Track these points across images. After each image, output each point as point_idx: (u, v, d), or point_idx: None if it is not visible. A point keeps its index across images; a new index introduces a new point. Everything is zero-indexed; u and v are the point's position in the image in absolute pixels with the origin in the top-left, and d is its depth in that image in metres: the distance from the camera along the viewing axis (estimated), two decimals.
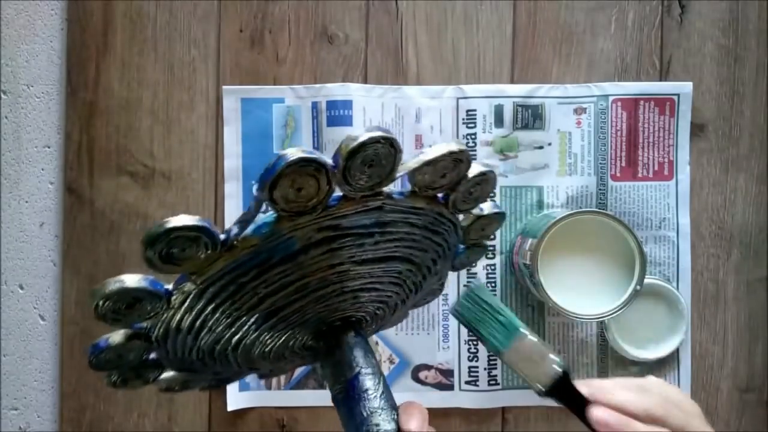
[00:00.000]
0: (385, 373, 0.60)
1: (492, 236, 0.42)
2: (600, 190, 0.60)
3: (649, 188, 0.60)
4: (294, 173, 0.28)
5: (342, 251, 0.32)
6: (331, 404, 0.60)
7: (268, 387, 0.60)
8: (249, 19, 0.61)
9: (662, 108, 0.60)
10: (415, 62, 0.61)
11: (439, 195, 0.35)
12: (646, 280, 0.53)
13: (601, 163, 0.60)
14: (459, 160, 0.32)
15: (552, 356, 0.37)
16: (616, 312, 0.52)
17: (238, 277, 0.31)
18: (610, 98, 0.60)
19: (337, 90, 0.60)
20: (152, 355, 0.35)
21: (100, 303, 0.30)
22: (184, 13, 0.61)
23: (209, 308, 0.32)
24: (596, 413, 0.38)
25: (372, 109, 0.60)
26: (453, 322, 0.60)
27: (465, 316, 0.38)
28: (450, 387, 0.60)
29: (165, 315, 0.32)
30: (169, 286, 0.31)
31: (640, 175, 0.60)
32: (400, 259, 0.35)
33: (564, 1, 0.61)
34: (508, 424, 0.60)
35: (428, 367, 0.60)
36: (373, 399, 0.35)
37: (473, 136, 0.60)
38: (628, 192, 0.60)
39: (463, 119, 0.60)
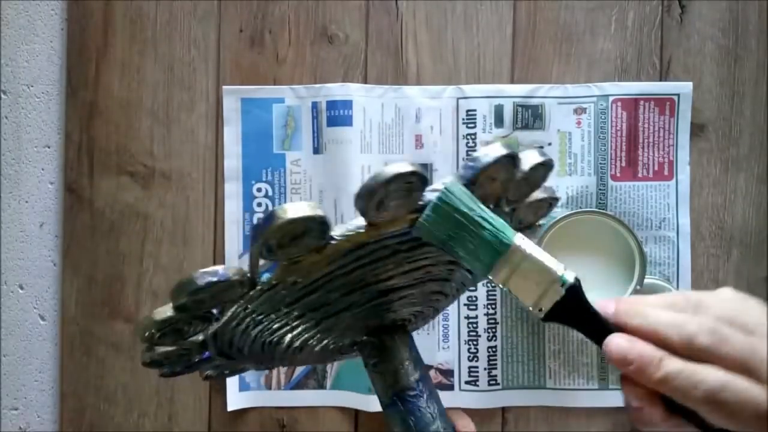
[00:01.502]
0: None
1: (544, 215, 0.40)
2: (600, 190, 0.60)
3: (649, 188, 0.60)
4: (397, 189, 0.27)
5: (419, 258, 0.33)
6: (331, 404, 0.60)
7: (268, 387, 0.60)
8: (249, 19, 0.61)
9: (662, 108, 0.60)
10: (415, 62, 0.61)
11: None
12: (646, 280, 0.53)
13: (601, 163, 0.60)
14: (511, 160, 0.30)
15: (557, 270, 0.29)
16: None
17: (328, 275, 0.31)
18: (610, 98, 0.60)
19: (337, 90, 0.60)
20: (205, 355, 0.36)
21: (187, 299, 0.29)
22: (184, 13, 0.61)
23: (283, 303, 0.32)
24: (612, 344, 0.28)
25: (372, 109, 0.60)
26: (453, 322, 0.60)
27: (434, 233, 0.28)
28: (450, 387, 0.60)
29: (239, 305, 0.32)
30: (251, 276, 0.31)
31: (640, 175, 0.60)
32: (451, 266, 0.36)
33: (564, 1, 0.60)
34: (508, 424, 0.60)
35: (428, 367, 0.60)
36: (426, 410, 0.35)
37: (473, 136, 0.60)
38: (628, 192, 0.60)
39: (463, 119, 0.60)
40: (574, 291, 0.29)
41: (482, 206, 0.28)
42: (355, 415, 0.60)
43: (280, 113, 0.60)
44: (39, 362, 0.62)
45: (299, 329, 0.34)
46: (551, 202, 0.37)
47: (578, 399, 0.60)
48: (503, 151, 0.28)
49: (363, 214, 0.28)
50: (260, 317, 0.32)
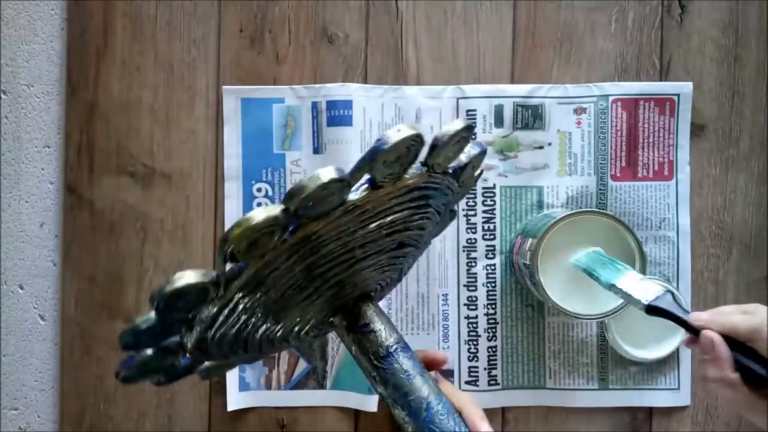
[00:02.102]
0: None
1: (480, 170, 0.44)
2: (600, 190, 0.60)
3: (649, 188, 0.60)
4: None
5: (369, 226, 0.34)
6: (331, 404, 0.60)
7: (268, 387, 0.60)
8: (249, 19, 0.61)
9: (662, 108, 0.60)
10: (415, 62, 0.61)
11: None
12: None
13: (601, 163, 0.60)
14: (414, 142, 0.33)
15: (657, 283, 0.45)
16: (616, 312, 0.52)
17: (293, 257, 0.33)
18: (610, 98, 0.60)
19: (337, 90, 0.60)
20: (183, 361, 0.36)
21: (162, 301, 0.30)
22: (184, 13, 0.61)
23: (244, 301, 0.33)
24: (693, 314, 0.41)
25: (372, 109, 0.60)
26: (453, 322, 0.60)
27: (583, 265, 0.51)
28: None
29: (194, 330, 0.33)
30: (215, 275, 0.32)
31: (640, 175, 0.60)
32: (407, 232, 0.37)
33: (564, 1, 0.61)
34: (508, 424, 0.60)
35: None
36: (411, 372, 0.37)
37: (473, 137, 0.60)
38: (628, 192, 0.60)
39: (464, 119, 0.60)
40: (652, 309, 0.44)
41: (599, 263, 0.50)
42: (355, 415, 0.60)
43: (280, 113, 0.60)
44: (39, 362, 0.62)
45: (272, 321, 0.35)
46: (465, 133, 0.37)
47: (578, 399, 0.60)
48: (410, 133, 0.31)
49: (371, 175, 0.32)
50: (235, 317, 0.33)
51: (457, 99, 0.60)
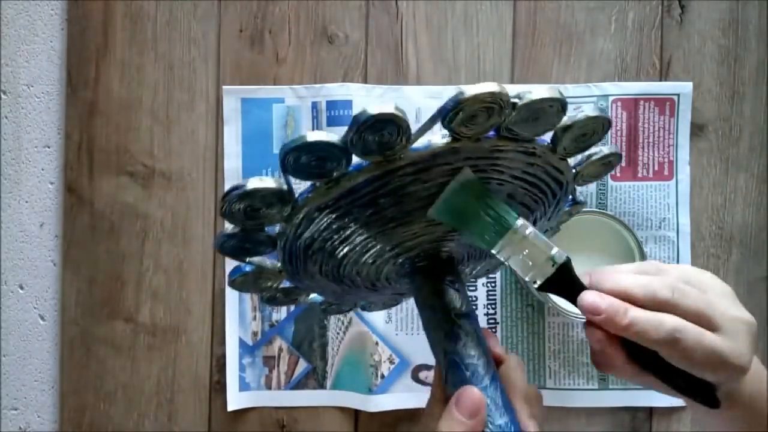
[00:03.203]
0: (385, 373, 0.60)
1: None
2: (600, 190, 0.60)
3: (649, 188, 0.60)
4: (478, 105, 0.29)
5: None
6: (331, 404, 0.60)
7: (268, 387, 0.60)
8: (249, 19, 0.61)
9: (662, 108, 0.60)
10: (415, 62, 0.61)
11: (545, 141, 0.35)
12: None
13: None
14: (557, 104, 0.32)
15: (550, 251, 0.33)
16: None
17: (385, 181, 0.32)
18: (610, 98, 0.60)
19: (337, 90, 0.60)
20: (269, 230, 0.35)
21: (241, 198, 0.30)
22: (184, 13, 0.61)
23: (339, 212, 0.33)
24: (586, 298, 0.32)
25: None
26: None
27: (449, 213, 0.34)
28: None
29: (337, 186, 0.32)
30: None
31: (640, 175, 0.60)
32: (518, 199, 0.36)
33: (564, 1, 0.61)
34: None
35: (428, 368, 0.60)
36: (482, 338, 0.36)
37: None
38: (628, 192, 0.60)
39: None
40: (564, 269, 0.33)
41: (490, 194, 0.34)
42: (355, 415, 0.60)
43: (280, 113, 0.60)
44: (39, 362, 0.62)
45: (367, 233, 0.35)
46: (615, 161, 0.38)
47: (578, 399, 0.60)
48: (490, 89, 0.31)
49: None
50: (338, 212, 0.33)
51: None
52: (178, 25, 0.61)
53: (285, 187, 0.31)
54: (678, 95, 0.60)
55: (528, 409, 0.34)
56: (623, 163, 0.60)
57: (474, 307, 0.60)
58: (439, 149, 0.31)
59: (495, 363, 0.36)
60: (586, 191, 0.60)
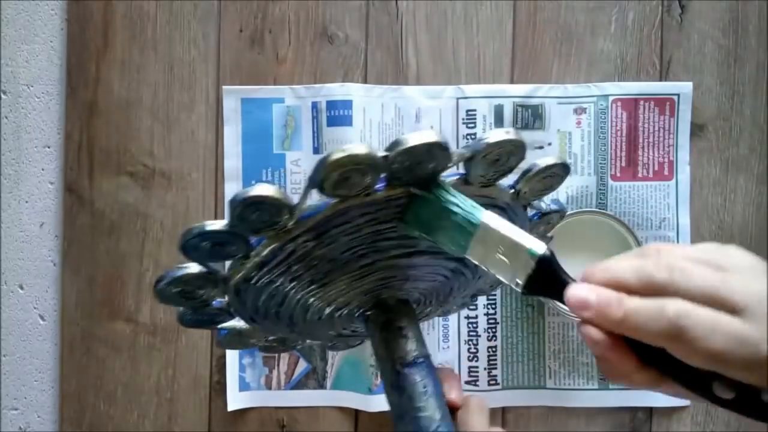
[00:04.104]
0: None
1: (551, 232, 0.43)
2: (600, 190, 0.60)
3: (649, 188, 0.60)
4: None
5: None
6: (331, 404, 0.60)
7: (268, 387, 0.60)
8: (249, 19, 0.61)
9: (662, 108, 0.60)
10: (415, 62, 0.61)
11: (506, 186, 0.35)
12: None
13: (601, 163, 0.60)
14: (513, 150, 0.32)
15: (527, 245, 0.29)
16: None
17: (328, 231, 0.32)
18: (610, 98, 0.60)
19: (337, 90, 0.60)
20: (216, 302, 0.36)
21: (192, 240, 0.30)
22: (184, 13, 0.61)
23: (286, 262, 0.33)
24: (571, 292, 0.28)
25: (372, 109, 0.60)
26: (453, 322, 0.60)
27: (415, 224, 0.31)
28: None
29: (248, 262, 0.32)
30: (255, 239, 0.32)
31: (640, 175, 0.60)
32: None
33: (564, 1, 0.61)
34: (508, 424, 0.60)
35: None
36: (429, 390, 0.35)
37: (473, 137, 0.60)
38: (628, 192, 0.60)
39: (463, 119, 0.60)
40: (546, 263, 0.29)
41: (454, 192, 0.31)
42: (355, 415, 0.60)
43: (280, 113, 0.60)
44: (39, 362, 0.62)
45: (318, 284, 0.35)
46: (559, 172, 0.36)
47: (578, 399, 0.60)
48: (504, 137, 0.31)
49: (468, 167, 0.32)
50: (288, 263, 0.33)
51: (457, 99, 0.60)
52: (178, 25, 0.61)
53: (205, 269, 0.32)
54: (678, 95, 0.60)
55: None
56: (623, 163, 0.60)
57: (473, 307, 0.60)
58: (328, 213, 0.31)
59: (453, 408, 0.35)
60: (586, 192, 0.60)
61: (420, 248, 0.35)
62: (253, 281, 0.33)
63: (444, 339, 0.60)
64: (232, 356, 0.60)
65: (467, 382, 0.60)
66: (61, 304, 0.61)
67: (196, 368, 0.61)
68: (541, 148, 0.60)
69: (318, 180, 0.29)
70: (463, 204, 0.30)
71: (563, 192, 0.60)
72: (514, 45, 0.61)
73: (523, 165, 0.35)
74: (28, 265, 0.62)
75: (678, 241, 0.60)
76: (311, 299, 0.35)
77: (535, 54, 0.61)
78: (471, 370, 0.60)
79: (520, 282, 0.30)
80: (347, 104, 0.59)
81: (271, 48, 0.61)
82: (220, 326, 0.39)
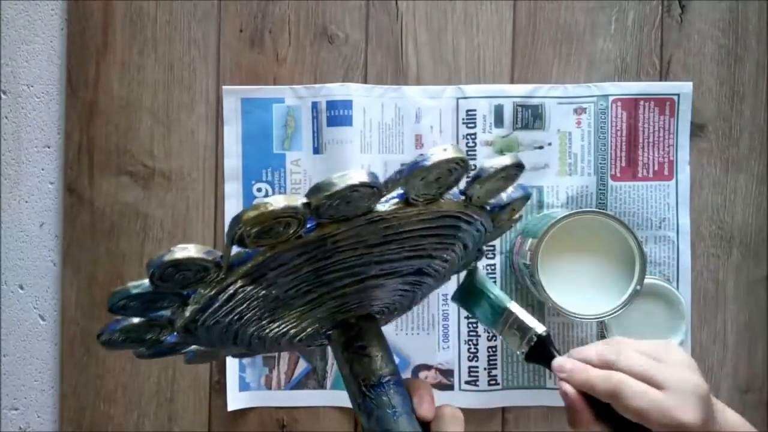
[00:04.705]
0: None
1: (520, 214, 0.42)
2: (600, 190, 0.60)
3: (649, 188, 0.60)
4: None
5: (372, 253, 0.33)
6: (331, 404, 0.60)
7: (268, 387, 0.60)
8: (249, 19, 0.61)
9: (662, 108, 0.60)
10: (415, 62, 0.61)
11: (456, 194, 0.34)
12: (646, 280, 0.53)
13: (601, 163, 0.60)
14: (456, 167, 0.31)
15: (533, 326, 0.42)
16: (616, 312, 0.52)
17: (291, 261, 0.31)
18: (610, 98, 0.60)
19: (337, 90, 0.60)
20: (170, 338, 0.35)
21: (157, 272, 0.29)
22: (184, 13, 0.61)
23: (228, 306, 0.32)
24: (556, 361, 0.41)
25: (372, 109, 0.60)
26: (453, 322, 0.60)
27: (462, 302, 0.44)
28: (450, 387, 0.60)
29: (187, 309, 0.32)
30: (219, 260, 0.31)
31: (640, 175, 0.60)
32: (421, 257, 0.35)
33: (564, 1, 0.61)
34: (508, 424, 0.60)
35: (428, 367, 0.60)
36: (398, 410, 0.34)
37: (473, 136, 0.60)
38: (628, 192, 0.60)
39: (463, 119, 0.60)
40: (543, 339, 0.41)
41: (491, 283, 0.44)
42: (356, 415, 0.60)
43: (280, 113, 0.60)
44: (39, 362, 0.62)
45: (267, 319, 0.34)
46: (514, 171, 0.35)
47: None
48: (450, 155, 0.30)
49: (405, 190, 0.31)
50: (230, 306, 0.32)
51: (457, 99, 0.60)
52: (178, 25, 0.61)
53: (144, 320, 0.32)
54: (678, 95, 0.60)
55: None
56: (623, 163, 0.60)
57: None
58: (260, 260, 0.30)
59: (424, 422, 0.35)
60: (586, 192, 0.60)
61: (370, 274, 0.33)
62: (199, 322, 0.32)
63: (444, 339, 0.60)
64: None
65: (467, 382, 0.60)
66: (61, 304, 0.61)
67: (196, 368, 0.61)
68: (541, 148, 0.60)
69: (234, 238, 0.28)
70: (496, 293, 0.43)
71: (563, 192, 0.60)
72: (514, 45, 0.61)
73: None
74: (28, 265, 0.62)
75: (678, 241, 0.60)
76: (265, 331, 0.35)
77: (535, 54, 0.61)
78: (471, 370, 0.60)
79: (524, 351, 0.42)
80: (347, 104, 0.59)
81: (271, 48, 0.61)
82: (183, 351, 0.38)
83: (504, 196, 0.38)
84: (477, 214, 0.36)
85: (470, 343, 0.60)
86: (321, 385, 0.60)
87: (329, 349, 0.59)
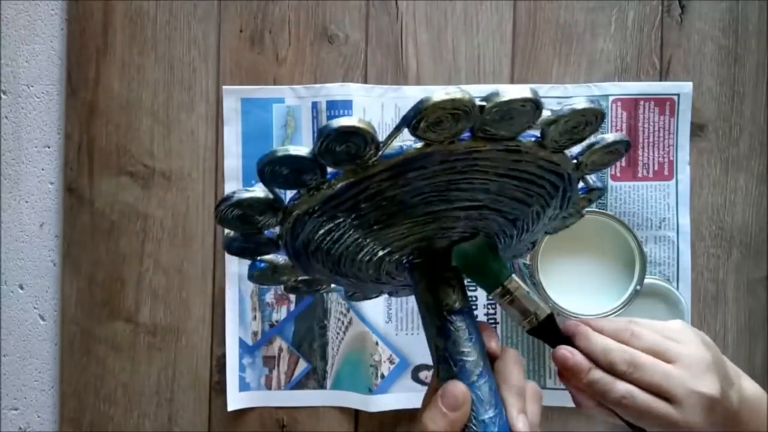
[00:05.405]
0: (385, 373, 0.60)
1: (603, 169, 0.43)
2: None
3: (649, 188, 0.60)
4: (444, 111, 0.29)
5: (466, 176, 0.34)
6: (331, 404, 0.60)
7: (268, 387, 0.60)
8: (249, 19, 0.61)
9: (662, 108, 0.60)
10: (415, 62, 0.61)
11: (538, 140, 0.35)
12: (646, 280, 0.53)
13: None
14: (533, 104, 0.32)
15: (533, 309, 0.38)
16: (616, 312, 0.52)
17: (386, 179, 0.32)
18: (610, 98, 0.60)
19: (337, 90, 0.60)
20: (268, 232, 0.36)
21: (267, 168, 0.30)
22: (184, 13, 0.61)
23: (355, 199, 0.33)
24: (557, 353, 0.38)
25: (372, 109, 0.60)
26: None
27: (462, 262, 0.39)
28: None
29: (318, 194, 0.32)
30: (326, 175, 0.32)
31: (640, 175, 0.60)
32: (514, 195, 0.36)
33: (564, 1, 0.61)
34: None
35: (428, 367, 0.60)
36: (474, 337, 0.36)
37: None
38: (628, 192, 0.60)
39: None
40: (548, 321, 0.38)
41: (493, 253, 0.39)
42: (355, 415, 0.60)
43: (280, 113, 0.60)
44: (39, 362, 0.62)
45: (374, 228, 0.35)
46: (622, 148, 0.38)
47: None
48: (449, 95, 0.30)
49: (545, 131, 0.32)
50: (325, 216, 0.33)
51: None
52: (178, 25, 0.61)
53: (271, 196, 0.32)
54: (678, 95, 0.60)
55: (519, 405, 0.34)
56: (623, 163, 0.60)
57: (474, 306, 0.60)
58: (411, 155, 0.31)
59: (491, 358, 0.36)
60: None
61: (487, 205, 0.35)
62: (316, 214, 0.33)
63: None
64: (232, 356, 0.60)
65: None
66: (61, 304, 0.61)
67: (196, 368, 0.61)
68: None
69: (414, 119, 0.29)
70: (498, 263, 0.38)
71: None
72: (514, 45, 0.61)
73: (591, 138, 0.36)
74: (28, 265, 0.62)
75: (678, 241, 0.60)
76: (368, 239, 0.36)
77: (535, 54, 0.61)
78: None
79: (525, 328, 0.38)
80: (347, 104, 0.59)
81: (271, 48, 0.61)
82: (260, 258, 0.39)
83: (590, 180, 0.40)
84: (575, 184, 0.38)
85: None
86: (321, 385, 0.60)
87: (329, 348, 0.60)
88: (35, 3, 0.62)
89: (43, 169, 0.62)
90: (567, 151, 0.36)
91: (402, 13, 0.61)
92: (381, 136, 0.30)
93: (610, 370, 0.37)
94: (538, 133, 0.33)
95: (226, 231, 0.35)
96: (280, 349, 0.60)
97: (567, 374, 0.38)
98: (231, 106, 0.61)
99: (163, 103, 0.61)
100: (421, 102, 0.28)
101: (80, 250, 0.61)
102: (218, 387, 0.61)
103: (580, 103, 0.32)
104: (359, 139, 0.29)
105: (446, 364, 0.36)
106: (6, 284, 0.63)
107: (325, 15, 0.61)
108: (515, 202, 0.36)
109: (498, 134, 0.32)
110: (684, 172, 0.60)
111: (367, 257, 0.38)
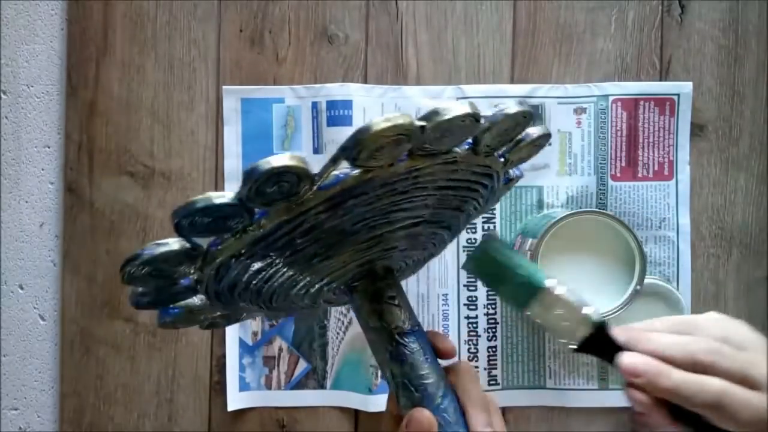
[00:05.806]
0: None
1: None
2: (600, 190, 0.60)
3: (649, 188, 0.60)
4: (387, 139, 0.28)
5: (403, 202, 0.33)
6: (331, 404, 0.60)
7: (268, 387, 0.60)
8: (249, 19, 0.61)
9: (662, 108, 0.60)
10: (415, 62, 0.61)
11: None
12: (646, 280, 0.53)
13: (601, 163, 0.60)
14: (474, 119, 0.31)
15: (584, 310, 0.33)
16: (616, 312, 0.52)
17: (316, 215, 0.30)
18: (610, 98, 0.60)
19: (337, 90, 0.60)
20: (185, 281, 0.33)
21: (184, 221, 0.27)
22: (184, 13, 0.61)
23: (290, 236, 0.31)
24: (624, 360, 0.32)
25: (372, 109, 0.60)
26: (453, 322, 0.60)
27: (480, 273, 0.36)
28: None
29: (245, 236, 0.30)
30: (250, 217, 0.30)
31: (640, 175, 0.60)
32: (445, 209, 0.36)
33: (564, 1, 0.61)
34: (507, 425, 0.60)
35: None
36: (429, 357, 0.35)
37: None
38: (628, 192, 0.60)
39: None
40: (601, 329, 0.33)
41: (519, 254, 0.35)
42: (355, 415, 0.60)
43: (280, 113, 0.60)
44: (39, 362, 0.62)
45: (313, 262, 0.33)
46: (544, 142, 0.38)
47: (578, 399, 0.60)
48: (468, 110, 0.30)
49: (479, 138, 0.32)
50: (254, 257, 0.31)
51: (457, 99, 0.60)
52: (178, 25, 0.61)
53: (188, 245, 0.29)
54: (678, 95, 0.60)
55: (484, 418, 0.34)
56: (623, 163, 0.60)
57: (473, 306, 0.60)
58: (350, 184, 0.29)
59: (446, 356, 0.36)
60: (586, 192, 0.60)
61: (426, 218, 0.34)
62: (244, 257, 0.31)
63: None
64: (232, 356, 0.60)
65: None
66: (61, 304, 0.61)
67: (196, 368, 0.61)
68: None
69: (355, 151, 0.27)
70: (528, 267, 0.34)
71: (563, 192, 0.60)
72: (514, 45, 0.61)
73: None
74: (28, 265, 0.62)
75: (678, 241, 0.60)
76: (304, 274, 0.34)
77: (535, 54, 0.61)
78: None
79: (575, 343, 0.34)
80: (347, 104, 0.59)
81: (271, 48, 0.61)
82: (175, 305, 0.36)
83: (511, 172, 0.41)
84: (499, 177, 0.38)
85: (470, 343, 0.60)
86: (321, 385, 0.60)
87: (329, 348, 0.60)
88: (35, 3, 0.62)
89: (43, 169, 0.62)
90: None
91: (402, 13, 0.61)
92: None
93: (692, 365, 0.32)
94: (470, 140, 0.32)
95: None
96: (280, 349, 0.60)
97: (641, 383, 0.32)
98: (231, 106, 0.61)
99: (163, 103, 0.61)
100: (359, 132, 0.27)
101: (80, 250, 0.61)
102: (218, 387, 0.61)
103: (512, 107, 0.31)
104: (292, 177, 0.27)
105: (407, 390, 0.35)
106: (6, 284, 0.63)
107: (325, 15, 0.61)
108: (452, 210, 0.36)
109: (436, 150, 0.31)
110: (684, 172, 0.60)
111: (303, 290, 0.36)
